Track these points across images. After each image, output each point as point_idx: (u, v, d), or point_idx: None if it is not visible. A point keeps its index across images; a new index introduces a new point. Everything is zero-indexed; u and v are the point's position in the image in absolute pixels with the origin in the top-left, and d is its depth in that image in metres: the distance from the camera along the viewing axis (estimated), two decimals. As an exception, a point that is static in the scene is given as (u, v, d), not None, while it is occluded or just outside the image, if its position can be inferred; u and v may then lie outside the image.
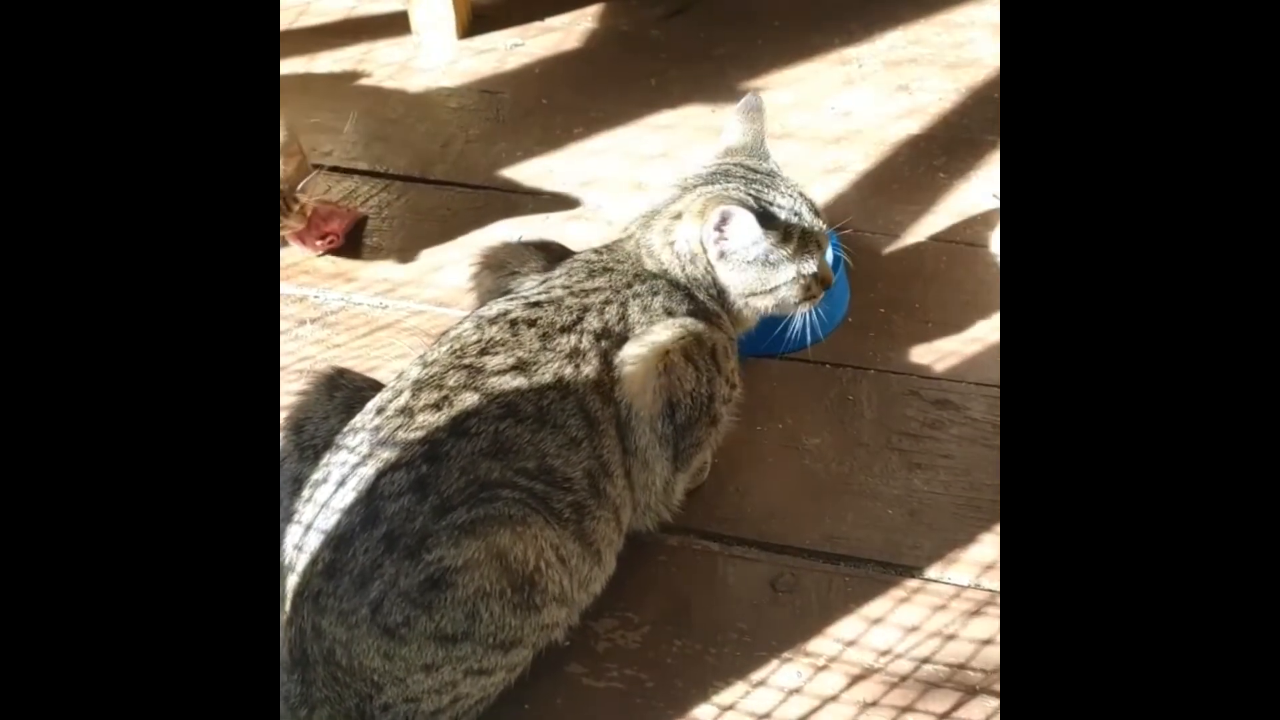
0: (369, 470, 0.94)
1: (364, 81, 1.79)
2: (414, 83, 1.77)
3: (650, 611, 1.10)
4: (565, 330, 1.03)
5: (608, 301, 1.07)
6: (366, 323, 1.40)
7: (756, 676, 1.04)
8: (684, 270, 1.12)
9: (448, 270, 1.45)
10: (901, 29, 1.82)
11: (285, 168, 1.38)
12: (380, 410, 0.99)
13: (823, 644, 1.06)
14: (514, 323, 1.03)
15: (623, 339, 1.04)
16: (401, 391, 1.00)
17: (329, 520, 0.94)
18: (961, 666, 1.03)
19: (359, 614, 0.91)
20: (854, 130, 1.64)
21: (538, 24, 1.88)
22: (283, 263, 1.46)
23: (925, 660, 1.04)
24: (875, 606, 1.09)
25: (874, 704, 1.01)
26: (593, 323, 1.04)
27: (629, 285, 1.09)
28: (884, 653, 1.05)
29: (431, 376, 1.00)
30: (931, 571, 1.11)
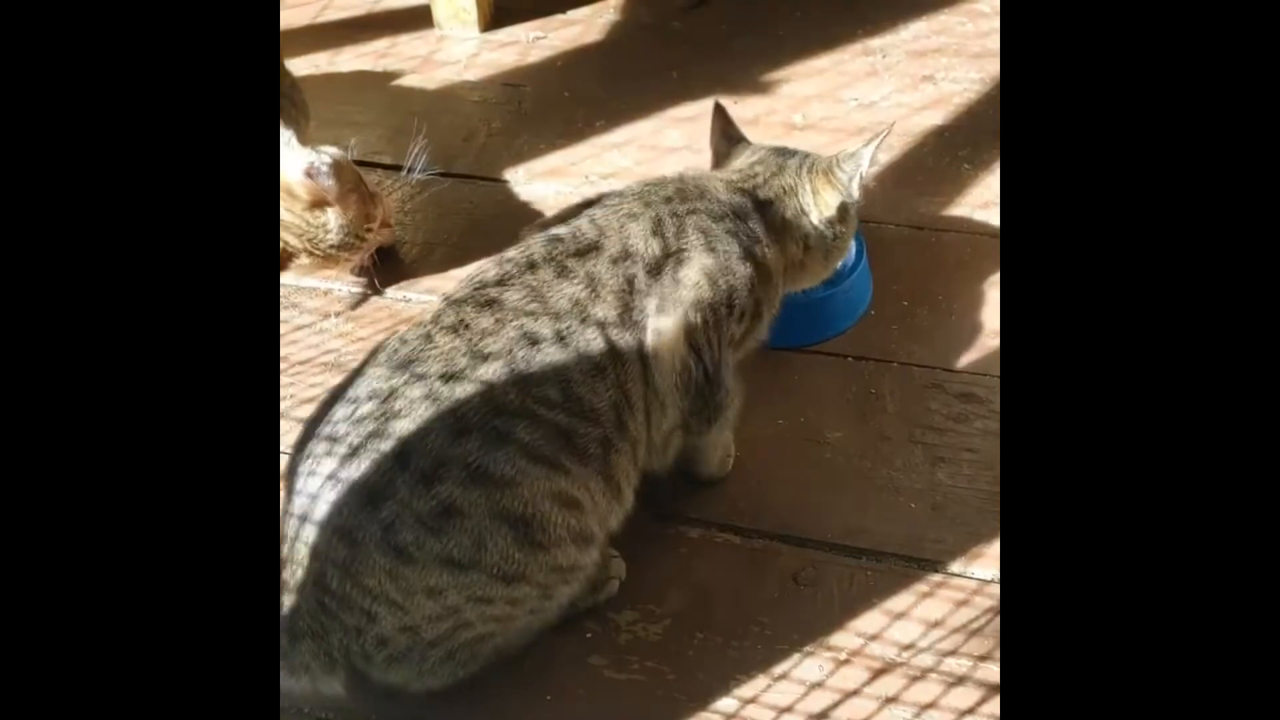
0: (383, 386, 0.95)
1: (387, 75, 1.79)
2: (437, 76, 1.78)
3: (672, 604, 1.10)
4: (580, 255, 1.03)
5: (630, 221, 1.06)
6: (390, 316, 1.41)
7: (778, 670, 1.04)
8: (812, 217, 1.16)
9: (470, 263, 1.45)
10: (925, 19, 1.81)
11: (345, 210, 1.34)
12: (404, 340, 1.00)
13: (845, 638, 1.06)
14: (530, 259, 1.04)
15: (652, 265, 1.03)
16: (423, 323, 1.01)
17: (335, 436, 0.94)
18: (984, 659, 1.03)
19: (367, 530, 0.90)
20: (877, 122, 1.62)
21: (559, 17, 1.88)
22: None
23: (948, 655, 1.04)
24: (898, 601, 1.09)
25: (895, 699, 1.01)
26: (612, 248, 1.04)
27: (668, 203, 1.08)
28: (906, 647, 1.05)
29: (452, 305, 1.01)
30: (955, 566, 1.11)
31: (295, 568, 0.93)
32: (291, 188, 1.32)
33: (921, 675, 1.03)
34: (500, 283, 1.02)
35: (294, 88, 1.52)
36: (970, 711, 1.00)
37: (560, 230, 1.07)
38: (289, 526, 0.94)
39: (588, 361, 0.97)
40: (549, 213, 1.52)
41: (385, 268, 1.46)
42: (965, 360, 1.30)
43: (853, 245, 1.31)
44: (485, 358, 0.95)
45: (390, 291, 1.44)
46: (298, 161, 1.31)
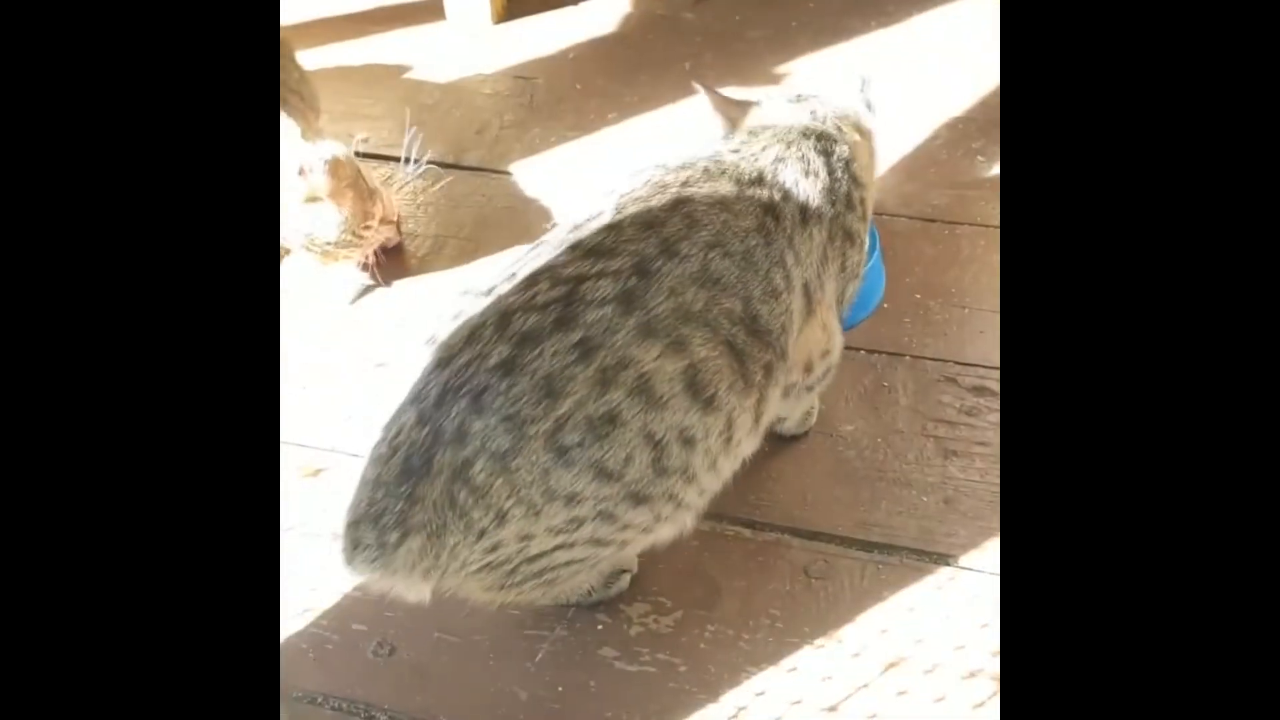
0: (569, 272, 0.90)
1: (399, 68, 1.80)
2: (449, 69, 1.78)
3: (683, 597, 1.10)
4: (755, 184, 1.02)
5: (781, 159, 1.06)
6: (401, 308, 1.42)
7: (789, 663, 1.04)
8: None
9: (481, 255, 1.46)
10: (938, 10, 1.80)
11: (341, 207, 1.33)
12: (577, 227, 0.95)
13: (856, 631, 1.06)
14: (706, 169, 1.02)
15: (802, 207, 1.04)
16: (600, 212, 0.96)
17: (508, 313, 0.88)
18: (996, 653, 1.03)
19: (540, 425, 0.85)
20: (890, 113, 1.62)
21: (571, 8, 1.87)
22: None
23: (960, 649, 1.04)
24: (909, 595, 1.08)
25: (907, 692, 1.01)
26: (777, 183, 1.04)
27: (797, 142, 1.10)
28: (919, 641, 1.05)
29: (635, 200, 0.97)
30: (966, 560, 1.11)
31: (410, 453, 0.87)
32: (288, 183, 1.32)
33: (933, 669, 1.02)
34: (685, 185, 0.99)
35: (302, 81, 1.52)
36: (982, 705, 1.00)
37: (724, 154, 1.07)
38: (412, 412, 0.87)
39: (768, 283, 0.97)
40: (561, 206, 1.52)
41: (394, 261, 1.46)
42: (979, 353, 1.29)
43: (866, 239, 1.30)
44: (678, 257, 0.93)
45: (400, 284, 1.44)
46: (293, 158, 1.31)
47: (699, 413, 0.92)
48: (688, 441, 0.92)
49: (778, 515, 1.16)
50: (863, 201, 1.13)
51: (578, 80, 1.74)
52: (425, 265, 1.47)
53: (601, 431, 0.87)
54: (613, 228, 0.94)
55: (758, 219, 0.99)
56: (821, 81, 1.27)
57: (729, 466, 0.99)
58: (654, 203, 0.97)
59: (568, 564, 0.95)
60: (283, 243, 1.36)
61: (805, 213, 1.04)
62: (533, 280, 0.91)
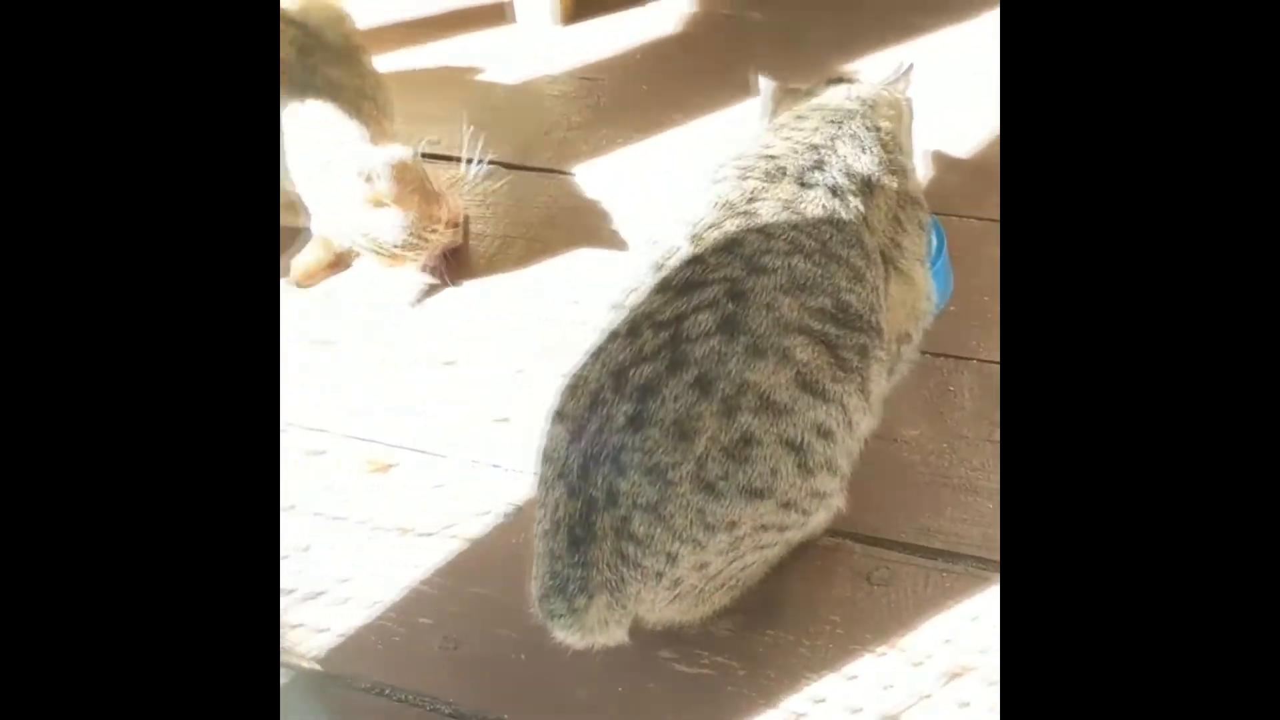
0: (666, 313, 0.92)
1: (469, 70, 1.82)
2: (516, 71, 1.80)
3: (742, 601, 1.10)
4: (815, 169, 1.06)
5: (836, 140, 1.10)
6: (468, 307, 1.44)
7: (850, 670, 1.04)
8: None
9: (548, 256, 1.47)
10: (1013, 5, 1.76)
11: (405, 211, 1.35)
12: (659, 266, 0.97)
13: (919, 640, 1.05)
14: (766, 173, 1.05)
15: (865, 180, 1.07)
16: (677, 248, 0.98)
17: (622, 370, 0.91)
18: (1063, 668, 1.01)
19: (682, 469, 0.87)
20: (957, 113, 1.59)
21: (638, 10, 1.88)
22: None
23: (1024, 660, 1.02)
24: (973, 604, 1.07)
25: (970, 704, 1.00)
26: (836, 161, 1.07)
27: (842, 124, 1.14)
28: (982, 651, 1.03)
29: (709, 227, 0.99)
30: (1033, 570, 1.09)
31: (572, 525, 0.90)
32: (353, 187, 1.35)
33: (997, 681, 1.01)
34: (751, 199, 1.02)
35: (377, 86, 1.55)
36: (1047, 719, 0.98)
37: (775, 144, 1.10)
38: (562, 487, 0.91)
39: (850, 268, 0.99)
40: (626, 207, 1.53)
41: (461, 261, 1.48)
42: (1048, 359, 1.27)
43: (934, 238, 1.28)
44: (764, 271, 0.95)
45: (467, 284, 1.47)
46: (359, 162, 1.34)
47: (823, 405, 0.94)
48: (826, 434, 0.94)
49: (838, 520, 1.15)
50: (912, 170, 1.19)
51: (644, 81, 1.75)
52: (492, 265, 1.49)
53: (741, 455, 0.89)
54: (695, 260, 0.97)
55: (825, 209, 1.02)
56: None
57: (856, 448, 1.02)
58: (727, 225, 0.99)
59: (744, 569, 0.99)
60: (350, 245, 1.39)
61: (869, 186, 1.07)
62: (635, 332, 0.93)
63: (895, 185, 1.10)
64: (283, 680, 1.08)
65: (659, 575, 0.91)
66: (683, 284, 0.95)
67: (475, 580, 1.14)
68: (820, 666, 1.04)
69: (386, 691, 1.07)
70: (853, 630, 1.06)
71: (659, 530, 0.89)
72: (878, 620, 1.07)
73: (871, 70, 1.67)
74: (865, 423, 1.02)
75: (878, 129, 1.14)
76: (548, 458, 0.94)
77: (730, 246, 0.97)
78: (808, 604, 1.09)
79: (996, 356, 1.28)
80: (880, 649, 1.05)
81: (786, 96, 1.26)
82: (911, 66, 1.29)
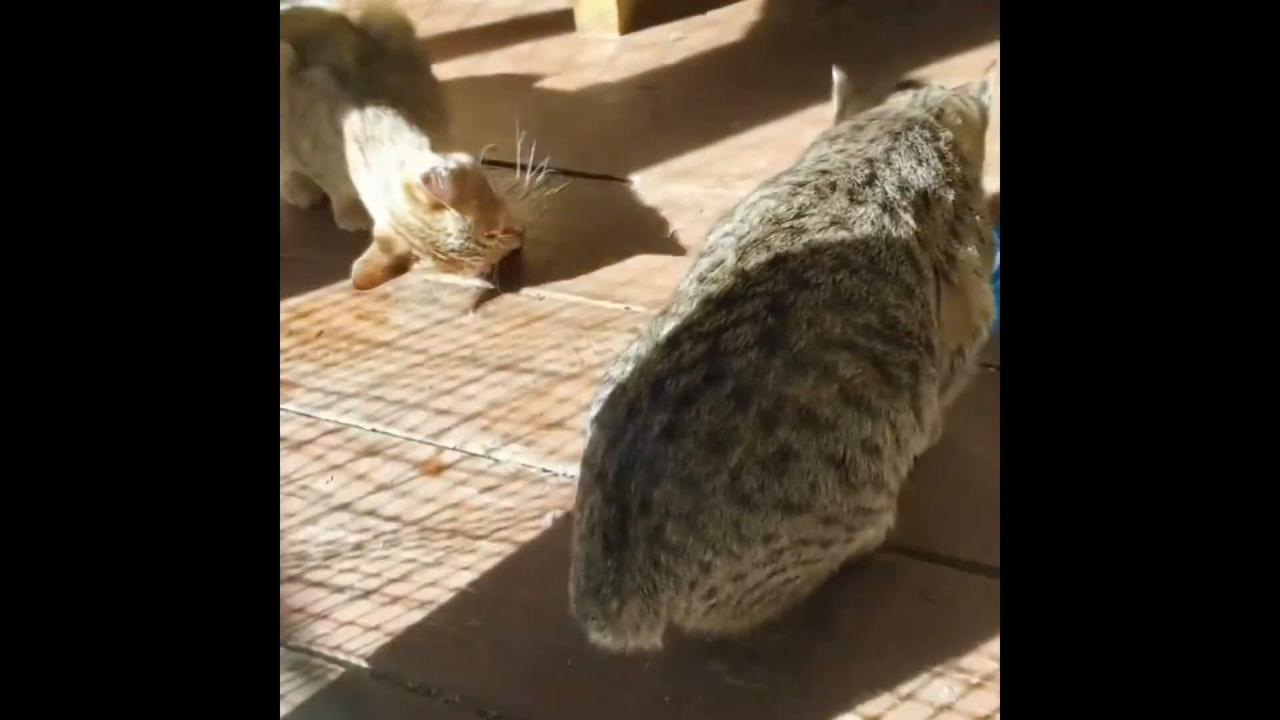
0: (705, 326, 0.92)
1: (530, 78, 1.84)
2: (576, 78, 1.81)
3: (794, 613, 1.08)
4: (868, 184, 1.04)
5: (892, 151, 1.09)
6: (524, 313, 1.45)
7: (904, 689, 1.01)
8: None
9: (604, 263, 1.47)
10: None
11: (465, 216, 1.36)
12: (702, 279, 0.98)
13: (976, 660, 1.02)
14: (816, 188, 1.04)
15: (921, 193, 1.06)
16: (722, 260, 0.98)
17: (660, 380, 0.91)
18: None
19: (716, 481, 0.88)
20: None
21: (699, 18, 1.88)
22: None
23: (1088, 685, 0.98)
24: (1034, 625, 1.03)
25: (1030, 727, 0.97)
26: (891, 175, 1.06)
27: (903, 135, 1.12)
28: (1042, 674, 1.00)
29: (754, 241, 0.98)
30: (1098, 592, 1.05)
31: (607, 530, 0.91)
32: (414, 191, 1.36)
33: (1058, 705, 0.97)
34: (799, 214, 1.01)
35: (436, 93, 1.57)
36: (1111, 747, 0.94)
37: (830, 155, 1.09)
38: (598, 492, 0.92)
39: (899, 284, 0.98)
40: (683, 215, 1.52)
41: (518, 267, 1.49)
42: (1117, 374, 1.23)
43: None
44: (809, 286, 0.94)
45: (526, 290, 1.47)
46: (421, 166, 1.35)
47: (870, 421, 0.93)
48: (872, 450, 0.93)
49: (895, 535, 1.13)
50: (976, 181, 1.16)
51: (703, 89, 1.74)
52: (548, 272, 1.49)
53: (778, 469, 0.89)
54: (739, 273, 0.96)
55: (875, 224, 1.00)
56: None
57: (906, 465, 1.00)
58: (774, 240, 0.98)
59: (786, 583, 0.97)
60: (409, 249, 1.41)
61: (924, 199, 1.05)
62: (674, 343, 0.93)
63: (953, 198, 1.08)
64: (331, 678, 1.09)
65: (692, 584, 0.91)
66: (724, 297, 0.95)
67: (525, 584, 1.14)
68: (874, 684, 1.01)
69: (434, 692, 1.07)
70: (908, 648, 1.04)
71: (691, 540, 0.89)
72: (934, 639, 1.04)
73: (934, 78, 1.64)
74: (916, 439, 0.99)
75: (938, 139, 1.12)
76: (586, 462, 0.95)
77: (776, 261, 0.96)
78: (862, 620, 1.07)
79: (1062, 371, 1.24)
80: (937, 668, 1.02)
81: (855, 95, 1.25)
82: (987, 84, 1.24)
